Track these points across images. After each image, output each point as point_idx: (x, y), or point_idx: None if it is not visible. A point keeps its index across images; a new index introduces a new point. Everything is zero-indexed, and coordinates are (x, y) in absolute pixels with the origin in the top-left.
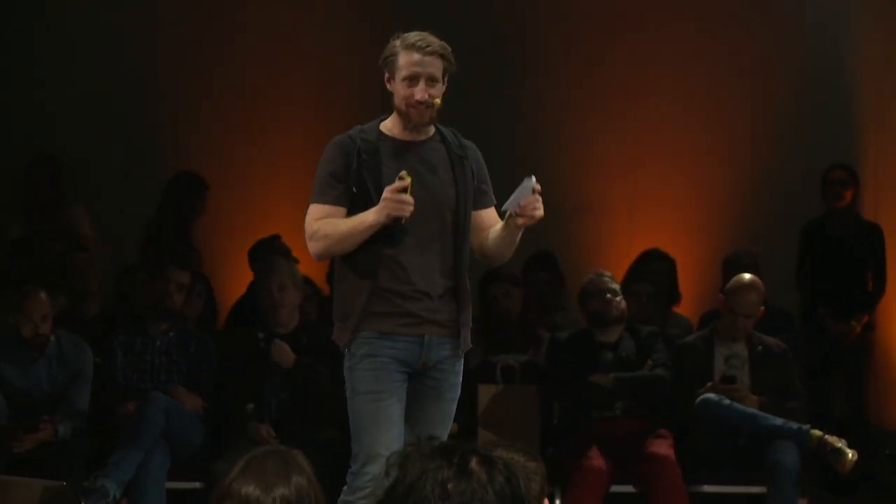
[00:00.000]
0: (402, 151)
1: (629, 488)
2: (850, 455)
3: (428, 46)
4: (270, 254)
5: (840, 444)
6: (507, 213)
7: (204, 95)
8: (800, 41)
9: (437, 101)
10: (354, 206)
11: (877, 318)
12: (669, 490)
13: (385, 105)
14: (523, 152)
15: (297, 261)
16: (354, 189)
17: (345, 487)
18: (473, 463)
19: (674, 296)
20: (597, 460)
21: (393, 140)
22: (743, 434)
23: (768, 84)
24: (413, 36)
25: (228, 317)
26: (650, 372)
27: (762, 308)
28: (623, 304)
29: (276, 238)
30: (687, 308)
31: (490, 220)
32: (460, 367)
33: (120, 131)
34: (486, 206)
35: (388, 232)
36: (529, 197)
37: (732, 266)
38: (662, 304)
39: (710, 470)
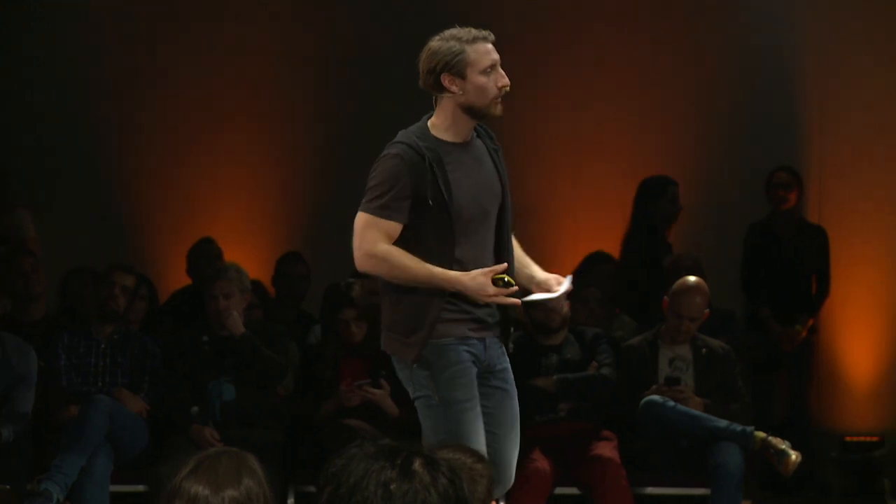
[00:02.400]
0: (460, 154)
1: (573, 490)
2: (793, 457)
3: (488, 35)
4: (205, 258)
5: (784, 445)
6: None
7: (148, 98)
8: (744, 43)
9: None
10: (428, 218)
11: (820, 322)
12: (614, 492)
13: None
14: None
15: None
16: (431, 202)
17: None
18: (417, 464)
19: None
20: (540, 462)
21: (449, 144)
22: (687, 436)
23: (712, 86)
24: (465, 32)
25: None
26: (595, 372)
27: (707, 311)
28: (566, 309)
29: (208, 241)
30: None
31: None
32: None
33: (66, 134)
34: None
35: (454, 236)
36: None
37: (677, 268)
38: (607, 307)
39: (655, 472)
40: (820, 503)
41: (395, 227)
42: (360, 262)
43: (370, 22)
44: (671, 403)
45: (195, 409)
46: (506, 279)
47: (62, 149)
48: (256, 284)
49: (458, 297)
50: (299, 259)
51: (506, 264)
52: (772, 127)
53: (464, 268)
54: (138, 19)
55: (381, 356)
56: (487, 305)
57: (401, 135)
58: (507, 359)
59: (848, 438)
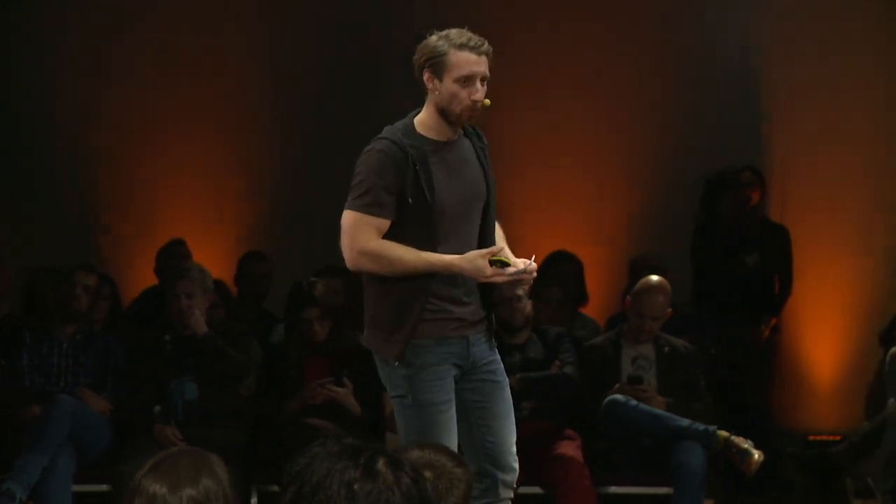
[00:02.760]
0: (444, 153)
1: (536, 490)
2: (756, 456)
3: (481, 45)
4: (174, 259)
5: (746, 444)
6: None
7: (113, 97)
8: (707, 42)
9: (487, 101)
10: (410, 215)
11: (783, 321)
12: (577, 491)
13: (297, 111)
14: None
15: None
16: (411, 200)
17: None
18: (380, 464)
19: (581, 297)
20: None
21: (434, 142)
22: (650, 435)
23: (676, 85)
24: (459, 35)
25: (127, 309)
26: (558, 372)
27: (670, 310)
28: (529, 308)
29: (178, 242)
30: (594, 310)
31: None
32: None
33: (30, 134)
34: None
35: (437, 235)
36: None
37: (639, 267)
38: (570, 306)
39: (617, 471)
40: (782, 502)
41: (384, 224)
42: (354, 260)
43: (341, 25)
44: (634, 403)
45: (157, 408)
46: (503, 260)
47: (26, 149)
48: (218, 283)
49: (440, 297)
50: (261, 258)
51: (502, 246)
52: (735, 126)
53: (453, 276)
54: (101, 18)
55: (345, 355)
56: (470, 304)
57: (386, 130)
58: (496, 352)
59: (810, 437)
